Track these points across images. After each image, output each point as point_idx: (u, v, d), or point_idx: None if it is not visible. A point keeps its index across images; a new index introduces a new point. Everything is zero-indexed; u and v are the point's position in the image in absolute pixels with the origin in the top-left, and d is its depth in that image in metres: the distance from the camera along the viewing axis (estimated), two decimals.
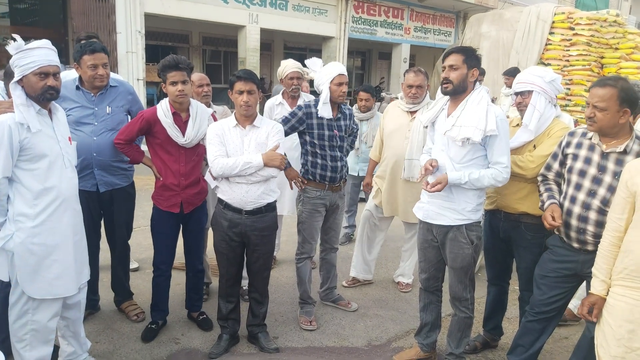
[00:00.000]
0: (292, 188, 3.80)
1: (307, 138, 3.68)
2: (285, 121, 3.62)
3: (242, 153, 3.16)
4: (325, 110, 3.62)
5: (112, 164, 3.46)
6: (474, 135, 2.79)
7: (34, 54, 2.51)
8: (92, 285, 3.56)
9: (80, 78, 3.37)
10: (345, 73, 3.66)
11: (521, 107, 3.17)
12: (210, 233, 3.54)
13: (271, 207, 3.31)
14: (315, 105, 3.67)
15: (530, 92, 3.11)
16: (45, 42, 2.56)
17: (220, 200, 3.28)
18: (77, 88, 3.37)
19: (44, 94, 2.56)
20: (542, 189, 2.94)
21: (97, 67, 3.29)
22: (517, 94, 3.20)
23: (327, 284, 4.14)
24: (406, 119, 4.20)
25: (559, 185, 2.91)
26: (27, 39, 2.55)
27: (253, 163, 3.09)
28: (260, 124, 3.23)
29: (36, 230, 2.53)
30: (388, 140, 4.31)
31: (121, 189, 3.57)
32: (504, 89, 7.22)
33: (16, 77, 2.49)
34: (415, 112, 4.17)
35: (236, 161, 3.08)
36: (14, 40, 2.50)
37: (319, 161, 3.67)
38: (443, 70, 2.92)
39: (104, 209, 3.58)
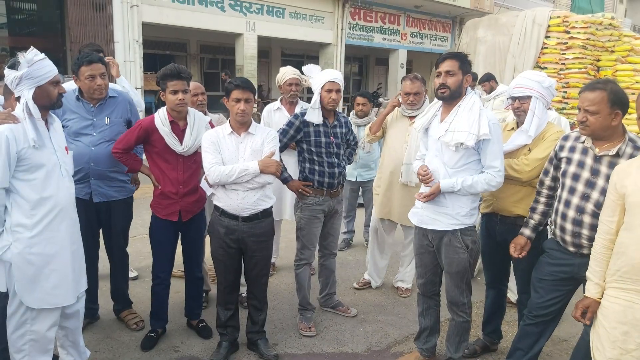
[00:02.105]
0: (300, 199, 3.79)
1: (305, 146, 3.70)
2: (284, 133, 3.64)
3: (238, 160, 3.17)
4: (313, 115, 3.63)
5: (110, 175, 3.47)
6: (467, 140, 2.82)
7: (47, 63, 2.55)
8: (92, 294, 3.57)
9: (80, 89, 3.40)
10: (338, 80, 3.65)
11: (519, 112, 3.18)
12: (208, 240, 3.54)
13: (267, 213, 3.32)
14: None
15: (528, 98, 3.13)
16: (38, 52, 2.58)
17: (216, 207, 3.29)
18: (77, 99, 3.40)
19: (58, 101, 2.63)
20: (533, 204, 3.04)
21: (95, 77, 3.31)
22: (514, 98, 3.21)
23: (326, 289, 4.14)
24: (406, 124, 4.25)
25: (554, 190, 2.92)
26: (25, 49, 2.57)
27: (249, 170, 3.10)
28: (255, 131, 3.24)
29: (34, 241, 2.53)
30: (387, 144, 4.35)
31: (118, 200, 3.58)
32: (484, 95, 7.34)
33: (31, 91, 2.49)
34: (414, 117, 4.19)
35: (232, 169, 3.10)
36: (10, 54, 2.51)
37: (317, 168, 3.69)
38: (438, 76, 2.94)
39: (102, 217, 3.59)
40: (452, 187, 2.89)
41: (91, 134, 3.39)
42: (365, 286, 4.70)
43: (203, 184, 3.39)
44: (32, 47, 2.52)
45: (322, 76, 3.67)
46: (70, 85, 3.98)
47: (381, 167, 4.44)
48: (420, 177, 3.01)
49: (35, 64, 2.49)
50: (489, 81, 7.48)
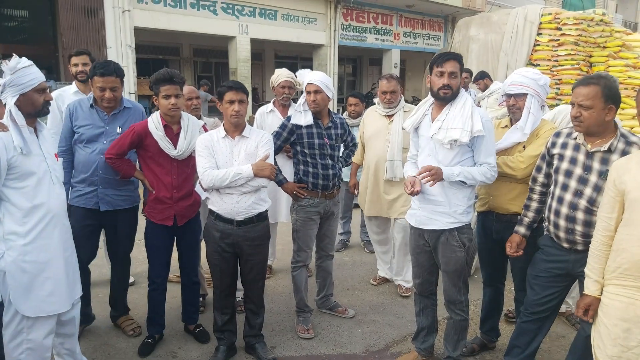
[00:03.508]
0: (295, 200, 3.80)
1: (298, 148, 3.70)
2: (277, 136, 3.64)
3: (232, 164, 3.17)
4: (299, 118, 3.64)
5: (117, 183, 3.46)
6: (461, 136, 2.82)
7: (31, 71, 2.54)
8: (85, 298, 3.52)
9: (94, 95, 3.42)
10: (314, 81, 3.58)
11: (514, 109, 3.18)
12: (203, 245, 3.53)
13: (262, 217, 3.31)
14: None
15: (524, 95, 3.12)
16: (28, 60, 2.57)
17: (211, 212, 3.27)
18: (91, 106, 3.41)
19: (43, 108, 2.61)
20: (526, 202, 3.04)
21: (105, 90, 3.31)
22: (509, 95, 3.20)
23: (323, 291, 4.13)
24: (384, 122, 4.34)
25: (547, 186, 2.93)
26: (18, 56, 2.56)
27: (243, 174, 3.09)
28: (249, 134, 3.23)
29: (27, 248, 2.51)
30: (369, 144, 4.43)
31: (125, 208, 3.57)
32: (479, 93, 7.40)
33: (14, 98, 2.49)
34: (392, 115, 4.32)
35: (226, 173, 3.09)
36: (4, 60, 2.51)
37: (311, 169, 3.69)
38: (440, 75, 2.88)
39: (107, 226, 3.57)
40: (453, 172, 2.85)
41: (102, 142, 3.39)
42: (383, 282, 4.83)
43: (197, 188, 3.38)
44: (14, 54, 2.52)
45: (304, 79, 3.69)
46: (62, 92, 3.99)
47: (365, 167, 4.52)
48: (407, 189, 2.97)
49: (19, 72, 2.48)
50: (482, 79, 7.52)
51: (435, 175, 2.83)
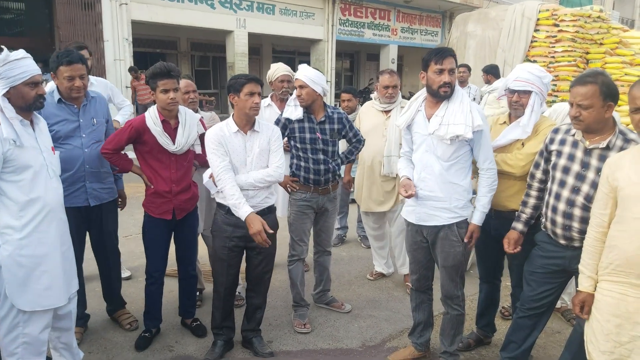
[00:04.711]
0: (288, 192, 3.84)
1: (292, 142, 3.73)
2: None
3: (245, 159, 3.16)
4: (291, 112, 3.68)
5: (102, 175, 3.43)
6: (465, 132, 2.82)
7: (23, 64, 2.50)
8: (81, 300, 3.49)
9: (59, 90, 3.27)
10: (298, 75, 3.60)
11: (517, 105, 3.14)
12: (200, 239, 3.52)
13: (272, 208, 3.35)
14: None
15: (528, 93, 3.10)
16: (25, 52, 2.55)
17: (221, 206, 3.23)
18: (59, 101, 3.28)
19: (35, 103, 2.56)
20: (524, 198, 3.06)
21: (74, 78, 3.19)
22: (513, 91, 3.16)
23: (320, 286, 4.14)
24: (382, 118, 4.35)
25: (545, 183, 2.93)
26: (14, 49, 2.54)
27: (239, 212, 3.05)
28: (260, 129, 3.21)
29: (24, 242, 2.50)
30: (365, 139, 4.37)
31: (109, 201, 3.56)
32: (485, 87, 7.37)
33: (3, 90, 2.47)
34: (389, 111, 4.33)
35: (233, 195, 3.03)
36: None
37: (302, 164, 3.70)
38: (439, 72, 2.85)
39: (92, 221, 3.51)
40: (481, 214, 3.02)
41: (81, 136, 3.32)
42: (379, 277, 4.85)
43: (208, 182, 3.30)
44: (3, 47, 2.49)
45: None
46: (54, 86, 3.93)
47: (361, 163, 4.52)
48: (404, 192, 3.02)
49: (8, 64, 2.45)
50: (487, 74, 7.49)
51: (477, 236, 3.05)
